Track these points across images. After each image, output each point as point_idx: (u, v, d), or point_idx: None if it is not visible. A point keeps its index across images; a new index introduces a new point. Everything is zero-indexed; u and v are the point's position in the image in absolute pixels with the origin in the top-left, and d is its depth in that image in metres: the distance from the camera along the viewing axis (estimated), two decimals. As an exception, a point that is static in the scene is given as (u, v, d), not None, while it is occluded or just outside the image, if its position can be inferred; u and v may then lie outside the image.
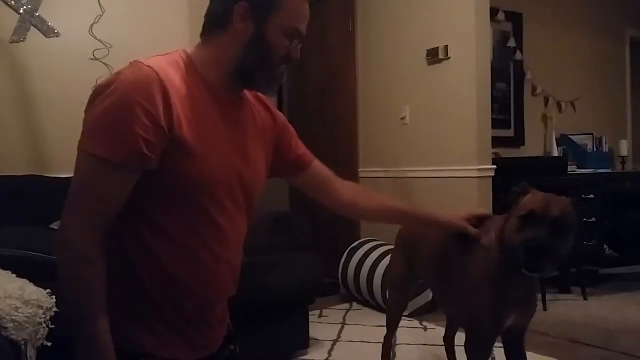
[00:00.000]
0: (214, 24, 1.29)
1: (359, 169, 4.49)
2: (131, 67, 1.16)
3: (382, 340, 2.33)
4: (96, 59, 3.19)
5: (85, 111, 1.20)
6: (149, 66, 1.15)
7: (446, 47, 3.72)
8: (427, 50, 3.84)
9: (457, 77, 3.68)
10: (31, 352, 1.88)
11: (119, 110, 1.12)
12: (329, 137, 4.78)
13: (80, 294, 1.13)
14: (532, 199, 1.62)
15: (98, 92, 1.17)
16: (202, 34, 1.33)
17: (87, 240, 1.13)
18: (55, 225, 2.62)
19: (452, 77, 3.72)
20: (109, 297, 1.16)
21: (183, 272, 1.23)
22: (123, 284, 1.21)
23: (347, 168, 4.55)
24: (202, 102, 1.24)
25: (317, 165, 1.58)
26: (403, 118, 4.08)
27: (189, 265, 1.23)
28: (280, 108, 5.86)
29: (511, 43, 4.73)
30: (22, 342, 1.84)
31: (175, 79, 1.19)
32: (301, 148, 1.56)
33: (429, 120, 3.88)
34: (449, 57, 3.72)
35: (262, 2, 1.25)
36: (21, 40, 2.98)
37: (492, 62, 3.77)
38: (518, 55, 4.79)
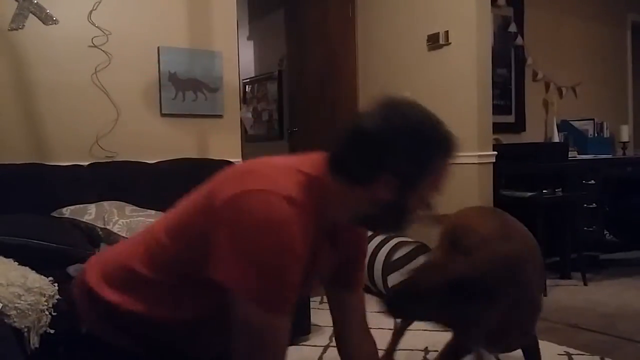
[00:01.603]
0: (352, 175, 1.18)
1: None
2: (278, 202, 1.08)
3: (382, 326, 2.34)
4: (95, 46, 3.17)
5: (227, 236, 1.09)
6: (293, 204, 1.10)
7: (447, 32, 3.70)
8: (428, 35, 3.83)
9: (458, 63, 3.66)
10: (34, 340, 1.89)
11: (278, 260, 1.08)
12: (329, 123, 4.78)
13: None
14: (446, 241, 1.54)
15: (244, 224, 1.08)
16: (334, 171, 1.20)
17: None
18: (56, 214, 2.63)
19: (453, 62, 3.70)
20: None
21: None
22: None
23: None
24: (315, 237, 1.19)
25: (359, 298, 1.50)
26: (404, 104, 4.06)
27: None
28: (280, 95, 5.85)
29: (512, 28, 4.70)
30: (25, 330, 1.85)
31: (306, 218, 1.13)
32: (360, 272, 1.50)
33: (430, 106, 3.81)
34: (450, 43, 3.70)
35: (410, 178, 1.17)
36: (20, 28, 2.96)
37: (492, 48, 3.75)
38: (519, 41, 4.77)
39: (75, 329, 2.08)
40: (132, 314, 1.23)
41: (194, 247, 1.16)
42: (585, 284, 3.94)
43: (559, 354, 2.61)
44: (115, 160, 3.18)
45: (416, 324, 3.07)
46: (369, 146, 1.15)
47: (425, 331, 2.94)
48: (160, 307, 1.22)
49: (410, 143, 1.14)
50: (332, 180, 1.20)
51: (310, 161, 1.23)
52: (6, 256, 2.07)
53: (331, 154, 1.20)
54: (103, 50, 3.20)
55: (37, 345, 1.89)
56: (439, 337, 2.78)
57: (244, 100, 6.23)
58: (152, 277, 1.22)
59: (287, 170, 1.18)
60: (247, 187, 1.10)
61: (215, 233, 1.10)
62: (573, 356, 2.59)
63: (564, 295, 3.69)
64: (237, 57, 3.82)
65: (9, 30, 2.94)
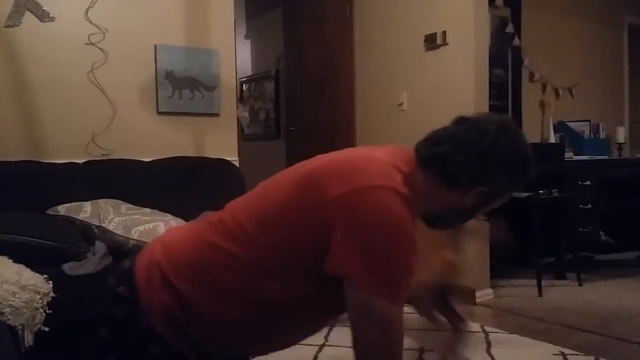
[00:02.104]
0: (452, 180, 1.25)
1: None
2: (397, 199, 1.13)
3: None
4: (92, 43, 3.16)
5: (350, 232, 1.11)
6: (404, 200, 1.14)
7: (444, 32, 3.70)
8: (425, 35, 3.83)
9: (455, 63, 3.66)
10: (29, 337, 1.89)
11: (405, 257, 1.13)
12: (326, 124, 4.78)
13: None
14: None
15: (367, 221, 1.11)
16: (431, 170, 1.26)
17: None
18: (51, 211, 2.62)
19: (450, 63, 3.70)
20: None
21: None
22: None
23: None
24: None
25: None
26: (401, 104, 4.06)
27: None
28: (277, 94, 5.85)
29: (509, 29, 4.70)
30: (20, 327, 1.85)
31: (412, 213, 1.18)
32: None
33: (427, 106, 3.87)
34: (447, 43, 3.70)
35: (498, 195, 1.30)
36: (16, 25, 2.95)
37: (490, 48, 3.75)
38: (516, 42, 4.77)
39: (70, 325, 2.08)
40: (200, 306, 1.21)
41: (299, 239, 1.17)
42: (580, 285, 3.95)
43: (554, 354, 2.62)
44: (111, 158, 3.18)
45: (410, 324, 3.07)
46: (483, 162, 1.23)
47: (421, 330, 2.95)
48: (231, 301, 1.21)
49: (515, 168, 1.27)
50: (424, 177, 1.25)
51: (400, 156, 1.27)
52: (1, 254, 2.07)
53: (434, 153, 1.25)
54: (100, 48, 3.19)
55: (31, 343, 1.89)
56: (434, 335, 2.79)
57: (241, 99, 6.22)
58: (235, 267, 1.20)
59: (387, 166, 1.21)
60: (363, 183, 1.13)
61: (335, 228, 1.11)
62: (568, 356, 2.59)
63: (559, 295, 3.70)
64: (235, 55, 3.81)
65: (5, 27, 2.93)
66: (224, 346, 1.27)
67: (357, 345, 1.15)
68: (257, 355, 1.45)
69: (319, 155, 1.32)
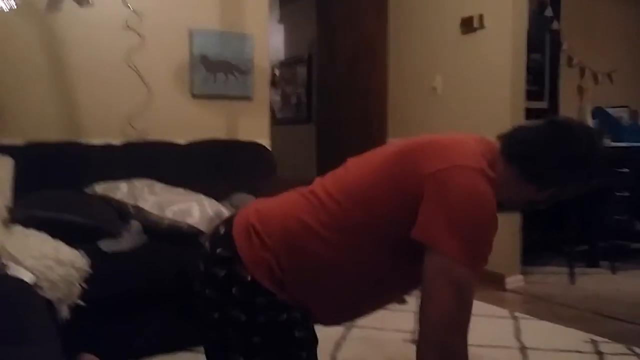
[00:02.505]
0: (535, 177, 1.36)
1: (388, 139, 4.48)
2: (483, 180, 1.25)
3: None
4: (129, 27, 3.22)
5: (441, 206, 1.23)
6: (489, 182, 1.26)
7: (481, 16, 3.65)
8: (462, 19, 3.78)
9: (492, 48, 3.61)
10: (65, 311, 1.96)
11: (488, 231, 1.24)
12: (359, 106, 4.77)
13: None
14: None
15: (457, 197, 1.22)
16: (512, 160, 1.36)
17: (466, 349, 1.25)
18: (89, 190, 2.70)
19: (486, 47, 3.65)
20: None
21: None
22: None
23: (377, 138, 4.55)
24: None
25: None
26: (435, 88, 4.03)
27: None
28: (309, 79, 5.86)
29: (548, 12, 4.60)
30: (57, 301, 1.92)
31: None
32: None
33: (461, 91, 3.83)
34: (484, 27, 3.65)
35: (565, 194, 1.41)
36: (56, 10, 3.03)
37: (527, 32, 3.68)
38: (555, 25, 4.66)
39: (105, 300, 2.15)
40: (293, 272, 1.32)
41: (390, 209, 1.28)
42: (613, 273, 3.89)
43: (584, 342, 2.60)
44: (146, 140, 3.24)
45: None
46: (569, 170, 1.35)
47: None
48: (321, 270, 1.32)
49: (592, 178, 1.38)
50: (505, 168, 1.35)
51: (484, 145, 1.38)
52: (39, 230, 2.15)
53: (523, 153, 1.36)
54: (136, 32, 3.25)
55: (67, 317, 1.96)
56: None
57: (273, 83, 6.25)
58: (326, 236, 1.30)
59: (475, 150, 1.32)
60: (455, 162, 1.26)
61: (425, 200, 1.23)
62: (599, 344, 2.57)
63: (592, 283, 3.65)
64: (267, 40, 3.83)
65: (45, 12, 3.00)
66: (316, 308, 1.37)
67: (429, 309, 1.23)
68: (345, 321, 1.60)
69: (411, 138, 1.43)
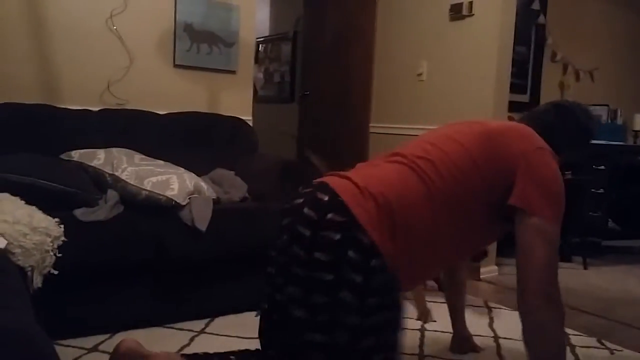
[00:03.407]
0: (553, 141, 1.73)
1: (371, 124, 4.45)
2: (554, 157, 1.67)
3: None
4: (112, -10, 3.11)
5: (534, 178, 1.58)
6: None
7: (471, 3, 3.62)
8: (451, 5, 3.74)
9: (480, 36, 3.59)
10: (37, 279, 1.89)
11: (564, 197, 1.62)
12: (342, 90, 4.71)
13: (563, 341, 1.67)
14: None
15: (544, 172, 1.61)
16: (542, 133, 1.74)
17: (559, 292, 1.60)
18: (65, 156, 2.60)
19: (474, 35, 3.63)
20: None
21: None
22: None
23: (358, 122, 4.51)
24: None
25: None
26: (420, 74, 4.00)
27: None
28: (294, 57, 5.78)
29: (535, 6, 4.60)
30: (29, 269, 1.85)
31: None
32: None
33: (447, 78, 3.81)
34: (473, 14, 3.62)
35: (566, 158, 1.86)
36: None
37: (514, 24, 3.67)
38: (541, 19, 4.67)
39: (79, 270, 2.08)
40: (401, 233, 1.51)
41: (485, 179, 1.59)
42: (585, 268, 3.95)
43: (556, 334, 2.62)
44: (125, 108, 3.15)
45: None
46: (575, 136, 1.88)
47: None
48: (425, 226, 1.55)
49: (588, 143, 1.93)
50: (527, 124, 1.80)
51: (525, 127, 1.75)
52: (13, 194, 2.06)
53: (546, 122, 1.84)
54: (119, -5, 3.14)
55: (40, 285, 1.89)
56: (437, 307, 2.79)
57: (256, 59, 6.15)
58: (432, 204, 1.55)
59: (537, 136, 1.70)
60: (537, 144, 1.64)
61: (518, 173, 1.58)
62: (571, 337, 2.60)
63: (564, 277, 3.69)
64: (255, 12, 3.74)
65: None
66: (412, 270, 1.57)
67: (532, 263, 1.54)
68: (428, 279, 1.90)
69: (475, 120, 1.80)
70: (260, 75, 6.27)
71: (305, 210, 1.51)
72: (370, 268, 1.43)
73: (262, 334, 1.60)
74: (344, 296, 1.41)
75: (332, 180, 1.58)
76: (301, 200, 1.56)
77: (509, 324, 2.71)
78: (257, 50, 6.24)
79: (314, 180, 1.65)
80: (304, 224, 1.48)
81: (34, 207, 2.02)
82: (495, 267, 3.71)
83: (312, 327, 1.43)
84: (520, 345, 2.42)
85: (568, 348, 2.46)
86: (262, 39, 6.23)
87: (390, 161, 1.65)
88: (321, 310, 1.43)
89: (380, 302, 1.45)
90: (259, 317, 1.62)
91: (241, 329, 2.47)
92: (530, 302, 1.54)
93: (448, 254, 1.68)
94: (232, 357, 1.69)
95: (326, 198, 1.50)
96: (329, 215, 1.46)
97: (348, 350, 1.43)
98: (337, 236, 1.43)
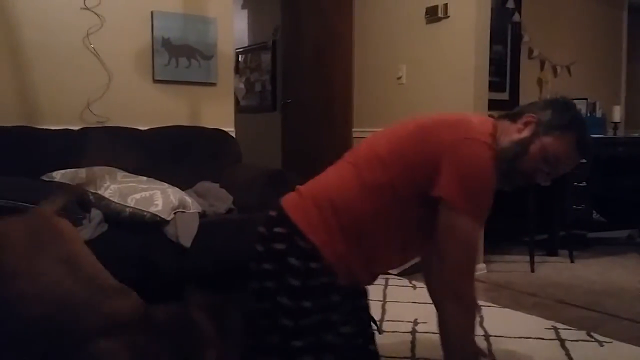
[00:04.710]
0: (510, 115, 1.71)
1: (353, 129, 4.47)
2: (486, 150, 1.57)
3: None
4: (87, 8, 3.10)
5: (455, 169, 1.54)
6: (490, 150, 1.58)
7: (446, 5, 3.66)
8: (427, 8, 3.77)
9: (456, 37, 3.63)
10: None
11: (488, 190, 1.58)
12: (323, 96, 4.73)
13: (473, 332, 1.67)
14: None
15: (468, 162, 1.55)
16: (508, 115, 1.73)
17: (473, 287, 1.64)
18: (46, 177, 2.59)
19: (451, 36, 3.67)
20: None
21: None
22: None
23: (341, 128, 4.53)
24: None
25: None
26: (399, 78, 4.03)
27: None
28: (274, 66, 5.79)
29: (510, 4, 4.65)
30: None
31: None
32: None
33: (426, 80, 3.84)
34: (448, 16, 3.66)
35: (546, 123, 1.64)
36: (9, -13, 2.89)
37: (490, 24, 3.71)
38: (516, 17, 4.73)
39: None
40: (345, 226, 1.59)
41: (415, 169, 1.58)
42: (572, 261, 3.98)
43: (546, 328, 2.65)
44: (106, 125, 3.14)
45: (394, 296, 3.09)
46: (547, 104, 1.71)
47: (415, 303, 2.97)
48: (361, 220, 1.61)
49: (562, 115, 1.67)
50: (503, 121, 1.71)
51: (487, 123, 1.69)
52: (-4, 218, 2.04)
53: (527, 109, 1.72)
54: (95, 13, 3.13)
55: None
56: (429, 309, 2.81)
57: (237, 70, 6.15)
58: (368, 194, 1.60)
59: (479, 127, 1.62)
60: (465, 135, 1.57)
61: (443, 162, 1.53)
62: (560, 330, 2.62)
63: (551, 271, 3.73)
64: (232, 24, 3.75)
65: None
66: (358, 265, 1.64)
67: (441, 258, 1.58)
68: (376, 278, 1.82)
69: (427, 114, 1.77)
70: (242, 86, 6.27)
71: (260, 228, 1.67)
72: (309, 271, 1.54)
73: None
74: (281, 300, 1.54)
75: (284, 196, 1.70)
76: (264, 218, 1.70)
77: (500, 322, 2.73)
78: (237, 61, 6.24)
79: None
80: (259, 241, 1.65)
81: (17, 231, 2.00)
82: (483, 265, 3.74)
83: (262, 332, 1.59)
84: (512, 344, 2.45)
85: (558, 342, 2.48)
86: (241, 50, 6.24)
87: (334, 165, 1.76)
88: (263, 315, 1.59)
89: (315, 304, 1.55)
90: None
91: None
92: (441, 293, 1.68)
93: (400, 243, 1.70)
94: None
95: (274, 214, 1.65)
96: (276, 229, 1.61)
97: (281, 351, 1.55)
98: (282, 246, 1.58)
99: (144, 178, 2.73)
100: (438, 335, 2.44)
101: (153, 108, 3.36)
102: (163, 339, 1.37)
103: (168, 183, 2.74)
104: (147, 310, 1.44)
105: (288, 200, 1.67)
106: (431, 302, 2.51)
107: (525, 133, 1.65)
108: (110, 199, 2.43)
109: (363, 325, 1.84)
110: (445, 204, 1.54)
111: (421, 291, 3.19)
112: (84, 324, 1.37)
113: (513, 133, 1.66)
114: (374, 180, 1.60)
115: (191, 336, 1.42)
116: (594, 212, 4.51)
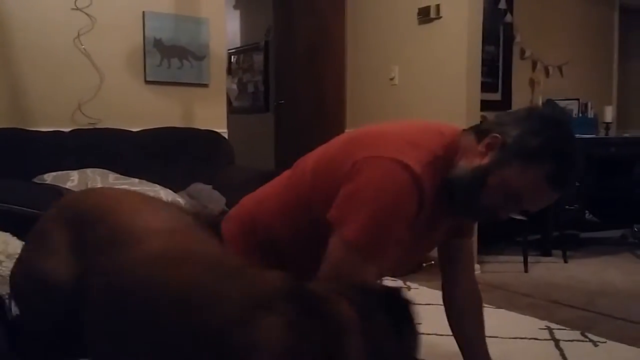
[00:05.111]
0: (479, 130, 1.37)
1: (346, 130, 4.46)
2: (400, 172, 1.24)
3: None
4: (78, 9, 3.08)
5: (350, 190, 1.27)
6: (415, 177, 1.24)
7: (438, 6, 3.66)
8: (419, 9, 3.77)
9: (448, 38, 3.63)
10: (15, 307, 1.86)
11: (388, 226, 1.26)
12: (316, 97, 4.73)
13: None
14: None
15: (364, 185, 1.26)
16: (477, 129, 1.39)
17: None
18: (38, 180, 2.57)
19: (443, 37, 3.67)
20: None
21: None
22: None
23: (334, 128, 4.52)
24: (431, 208, 1.32)
25: (471, 244, 1.70)
26: (392, 79, 4.03)
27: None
28: (266, 67, 5.78)
29: (502, 5, 4.66)
30: (7, 297, 1.82)
31: (428, 187, 1.28)
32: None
33: (418, 81, 3.83)
34: (441, 17, 3.66)
35: (512, 150, 1.28)
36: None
37: (482, 24, 3.71)
38: (508, 18, 4.74)
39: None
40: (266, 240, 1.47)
41: (327, 192, 1.32)
42: (565, 262, 3.99)
43: (540, 329, 2.64)
44: (98, 127, 3.12)
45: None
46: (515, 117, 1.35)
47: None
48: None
49: (532, 130, 1.30)
50: (469, 135, 1.37)
51: (439, 137, 1.37)
52: (-14, 221, 2.03)
53: (494, 125, 1.35)
54: (86, 13, 3.11)
55: (18, 313, 1.86)
56: (424, 310, 2.80)
57: (229, 71, 6.13)
58: (285, 212, 1.45)
59: (409, 141, 1.31)
60: (375, 153, 1.27)
61: (344, 184, 1.27)
62: (554, 331, 2.61)
63: (545, 272, 3.73)
64: (224, 24, 3.74)
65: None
66: None
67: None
68: None
69: (370, 125, 1.48)
70: (234, 87, 6.25)
71: None
72: None
73: None
74: None
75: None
76: None
77: (494, 323, 2.71)
78: (230, 62, 6.22)
79: None
80: None
81: (8, 234, 1.99)
82: (477, 265, 3.73)
83: None
84: (507, 345, 2.45)
85: (552, 342, 2.48)
86: (233, 50, 6.22)
87: (281, 175, 1.62)
88: None
89: None
90: None
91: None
92: None
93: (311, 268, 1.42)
94: None
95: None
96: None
97: None
98: None
99: (136, 180, 2.72)
100: (432, 335, 2.45)
101: (145, 109, 3.34)
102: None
103: (160, 185, 2.72)
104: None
105: (235, 207, 1.63)
106: (425, 302, 2.51)
107: (485, 160, 1.30)
108: (102, 201, 2.41)
109: None
110: (334, 231, 1.26)
111: (416, 292, 3.19)
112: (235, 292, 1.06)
113: (474, 156, 1.32)
114: (298, 199, 1.42)
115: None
116: (587, 212, 4.52)
